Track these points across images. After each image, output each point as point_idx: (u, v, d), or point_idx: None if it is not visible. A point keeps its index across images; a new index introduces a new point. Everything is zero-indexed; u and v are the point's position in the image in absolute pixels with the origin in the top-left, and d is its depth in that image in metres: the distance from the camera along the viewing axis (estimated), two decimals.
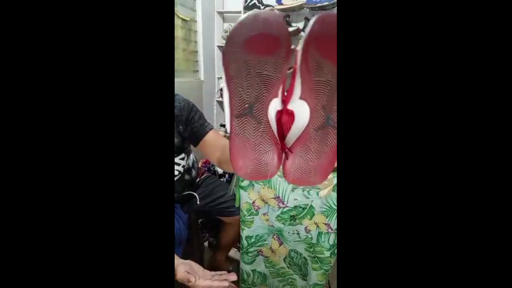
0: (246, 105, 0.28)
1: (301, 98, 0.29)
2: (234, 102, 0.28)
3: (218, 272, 0.58)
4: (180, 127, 0.70)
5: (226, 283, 0.54)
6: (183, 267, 0.54)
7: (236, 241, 1.03)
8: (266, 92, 0.28)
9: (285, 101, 0.30)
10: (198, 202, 0.89)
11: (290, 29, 1.53)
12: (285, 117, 0.30)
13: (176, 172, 0.80)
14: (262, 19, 0.27)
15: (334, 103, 0.29)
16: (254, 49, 0.27)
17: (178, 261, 0.57)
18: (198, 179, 0.96)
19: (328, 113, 0.29)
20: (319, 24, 0.28)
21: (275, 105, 0.29)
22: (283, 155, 0.31)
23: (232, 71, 0.28)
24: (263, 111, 0.28)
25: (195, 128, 0.70)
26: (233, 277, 0.56)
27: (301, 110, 0.29)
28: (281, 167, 0.32)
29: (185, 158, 0.83)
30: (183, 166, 0.83)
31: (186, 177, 0.87)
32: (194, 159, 0.93)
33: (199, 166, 1.17)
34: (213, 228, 1.24)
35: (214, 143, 0.68)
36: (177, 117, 0.68)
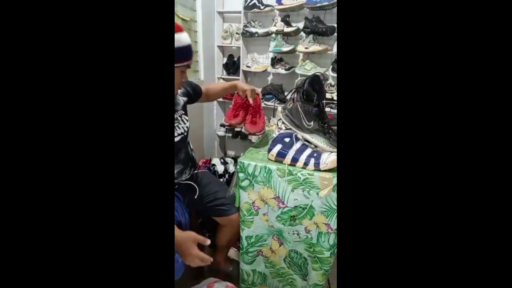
0: None
1: None
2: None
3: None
4: (189, 88, 0.94)
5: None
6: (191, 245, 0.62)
7: (233, 242, 1.03)
8: None
9: None
10: (197, 195, 0.90)
11: (290, 29, 1.53)
12: None
13: (182, 130, 0.85)
14: None
15: None
16: None
17: (180, 232, 0.64)
18: (196, 171, 0.97)
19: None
20: None
21: None
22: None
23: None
24: None
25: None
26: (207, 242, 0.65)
27: None
28: None
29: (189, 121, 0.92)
30: (188, 128, 0.89)
31: (189, 152, 0.91)
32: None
33: (199, 164, 1.16)
34: (212, 228, 1.24)
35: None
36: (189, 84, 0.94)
